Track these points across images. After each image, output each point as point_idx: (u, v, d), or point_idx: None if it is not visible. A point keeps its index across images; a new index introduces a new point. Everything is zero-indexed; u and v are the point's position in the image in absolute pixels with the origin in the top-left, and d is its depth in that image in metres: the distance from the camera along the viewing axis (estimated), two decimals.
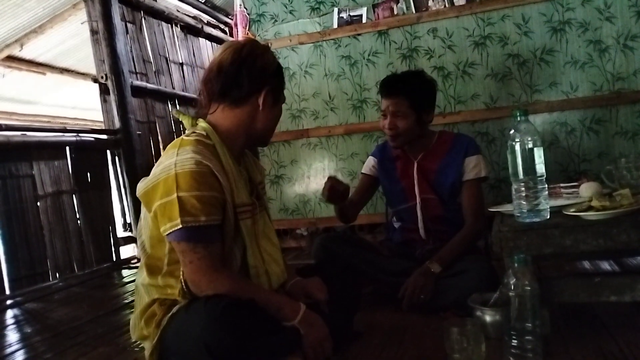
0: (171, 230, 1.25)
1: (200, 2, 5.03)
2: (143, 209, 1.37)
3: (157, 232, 1.31)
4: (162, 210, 1.26)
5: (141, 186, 1.34)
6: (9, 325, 2.34)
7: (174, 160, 1.27)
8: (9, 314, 2.54)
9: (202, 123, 1.41)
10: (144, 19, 4.16)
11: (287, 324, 1.32)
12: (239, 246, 1.38)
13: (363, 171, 2.33)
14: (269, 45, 1.50)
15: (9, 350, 1.97)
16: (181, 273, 1.32)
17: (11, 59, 5.10)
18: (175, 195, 1.24)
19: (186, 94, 4.51)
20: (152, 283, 1.37)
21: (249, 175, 1.50)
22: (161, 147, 3.99)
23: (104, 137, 3.61)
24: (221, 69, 1.38)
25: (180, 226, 1.23)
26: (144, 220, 1.39)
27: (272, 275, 1.45)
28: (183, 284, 1.31)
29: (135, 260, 3.61)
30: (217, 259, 1.31)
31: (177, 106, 4.32)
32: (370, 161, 2.30)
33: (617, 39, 2.68)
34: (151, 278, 1.37)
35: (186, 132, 1.42)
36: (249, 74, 1.37)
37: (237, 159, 1.44)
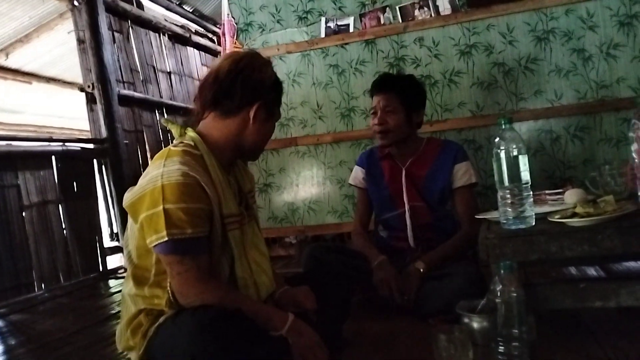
0: (157, 243, 1.24)
1: (188, 11, 5.04)
2: (130, 219, 1.36)
3: (144, 242, 1.30)
4: (149, 222, 1.25)
5: (128, 197, 1.33)
6: None
7: (160, 171, 1.26)
8: None
9: (190, 132, 1.40)
10: (132, 28, 4.16)
11: (276, 333, 1.31)
12: (227, 257, 1.37)
13: (353, 183, 2.34)
14: (270, 59, 1.48)
15: None
16: (168, 284, 1.31)
17: None
18: (161, 207, 1.23)
19: (174, 102, 4.50)
20: (138, 293, 1.36)
21: (238, 184, 1.50)
22: (149, 156, 3.98)
23: (91, 146, 3.59)
24: (217, 77, 1.38)
25: (167, 238, 1.23)
26: (131, 231, 1.38)
27: (261, 285, 1.44)
28: (170, 294, 1.30)
29: (122, 270, 3.58)
30: (205, 270, 1.30)
31: (165, 115, 4.31)
32: (359, 173, 2.30)
33: (600, 48, 2.72)
34: (138, 288, 1.36)
35: (174, 141, 1.42)
36: (243, 86, 1.36)
37: (225, 169, 1.43)
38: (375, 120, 2.08)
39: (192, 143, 1.36)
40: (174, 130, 1.44)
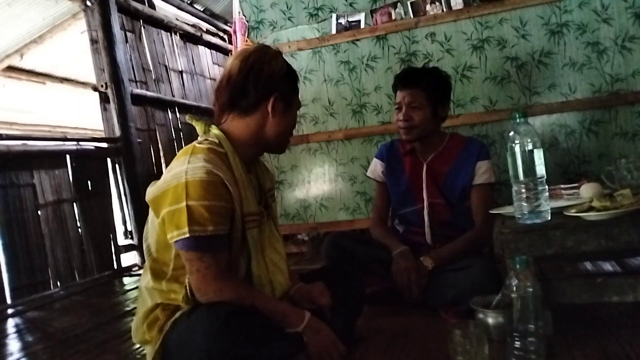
0: (178, 238, 1.25)
1: (199, 10, 5.06)
2: (151, 213, 1.37)
3: (164, 237, 1.31)
4: (171, 217, 1.26)
5: (151, 191, 1.34)
6: (10, 335, 2.33)
7: (185, 167, 1.26)
8: (10, 323, 2.54)
9: (214, 130, 1.40)
10: (144, 27, 4.18)
11: (292, 330, 1.32)
12: (245, 255, 1.38)
13: (371, 176, 2.28)
14: (280, 50, 1.48)
15: (10, 359, 1.97)
16: (186, 279, 1.32)
17: (11, 69, 5.13)
18: (184, 203, 1.23)
19: (186, 101, 4.52)
20: (156, 287, 1.37)
21: (259, 183, 1.50)
22: (162, 154, 4.01)
23: (104, 145, 3.63)
24: (230, 79, 1.38)
25: (188, 235, 1.23)
26: (151, 225, 1.38)
27: (276, 284, 1.44)
28: (187, 290, 1.31)
29: (137, 268, 3.61)
30: (224, 267, 1.30)
31: (177, 114, 4.33)
32: (378, 166, 2.24)
33: (614, 41, 2.69)
34: (155, 282, 1.37)
35: (198, 138, 1.42)
36: (255, 82, 1.36)
37: (248, 167, 1.43)
38: (400, 116, 2.03)
39: (217, 140, 1.37)
40: (198, 128, 1.44)
